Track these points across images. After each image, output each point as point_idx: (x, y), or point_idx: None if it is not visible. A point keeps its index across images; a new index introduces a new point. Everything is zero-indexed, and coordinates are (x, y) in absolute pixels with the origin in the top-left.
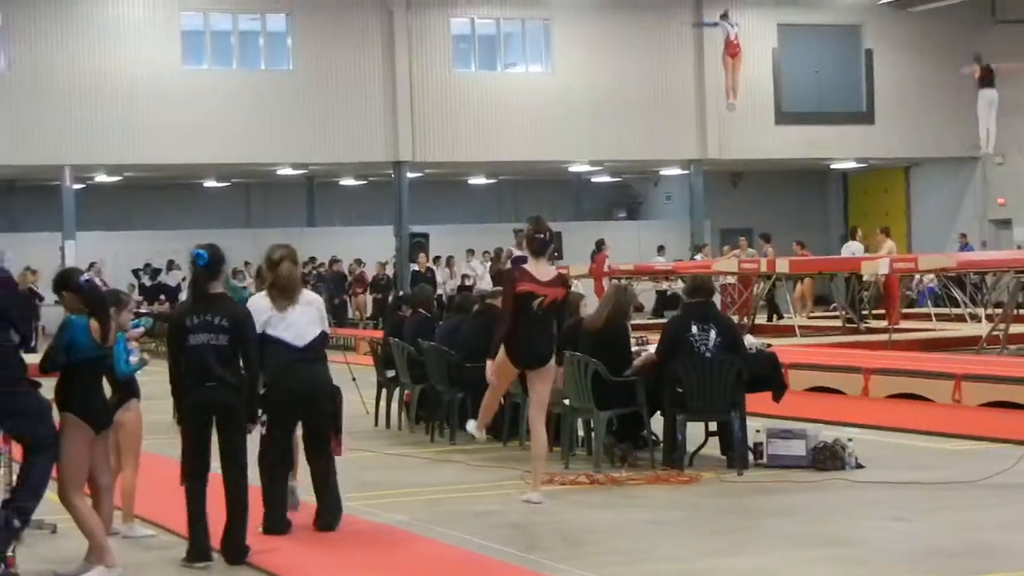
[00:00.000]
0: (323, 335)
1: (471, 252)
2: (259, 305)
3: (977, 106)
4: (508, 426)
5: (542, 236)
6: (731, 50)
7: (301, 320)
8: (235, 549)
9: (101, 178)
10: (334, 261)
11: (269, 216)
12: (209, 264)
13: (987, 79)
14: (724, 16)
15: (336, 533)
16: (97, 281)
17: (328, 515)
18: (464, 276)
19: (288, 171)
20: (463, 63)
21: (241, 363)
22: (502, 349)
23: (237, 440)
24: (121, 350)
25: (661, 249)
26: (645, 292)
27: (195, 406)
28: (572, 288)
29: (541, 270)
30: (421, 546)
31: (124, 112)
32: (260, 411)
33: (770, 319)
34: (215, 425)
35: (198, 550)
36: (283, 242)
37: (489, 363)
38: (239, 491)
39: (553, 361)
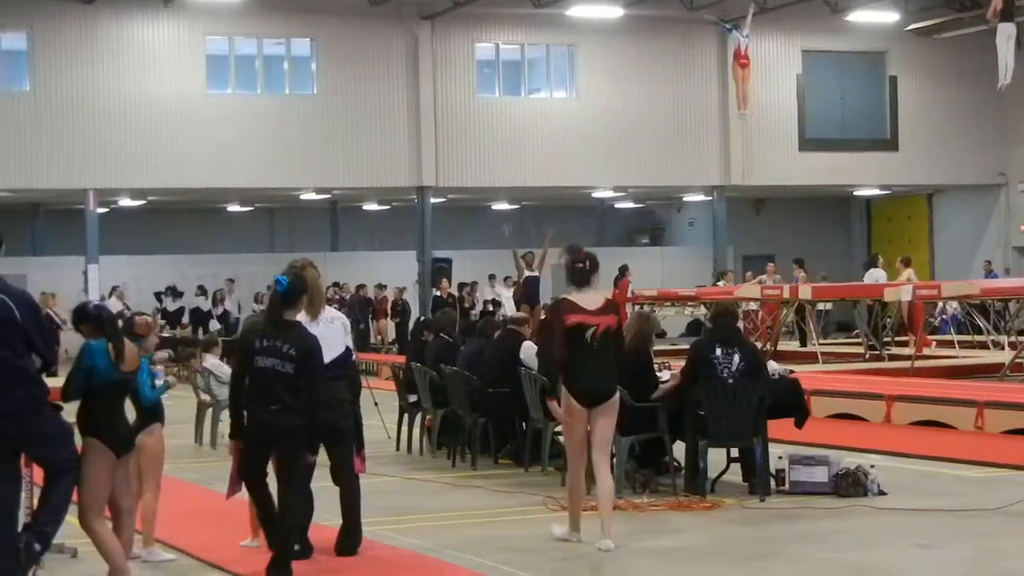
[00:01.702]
0: (348, 352)
1: (493, 277)
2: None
3: (996, 39)
4: (530, 451)
5: (582, 266)
6: (740, 60)
7: (328, 335)
8: (282, 571)
9: (125, 202)
10: (360, 287)
11: (293, 241)
12: (287, 292)
13: (1007, 12)
14: (737, 27)
15: (357, 558)
16: (112, 304)
17: (350, 540)
18: (487, 301)
19: (312, 196)
20: (487, 88)
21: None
22: (566, 394)
23: (295, 465)
24: (145, 375)
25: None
26: (668, 318)
27: (257, 428)
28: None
29: (588, 299)
30: (443, 572)
31: (149, 136)
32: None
33: (802, 344)
34: (274, 449)
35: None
36: None
37: (554, 405)
38: (294, 516)
39: (617, 396)
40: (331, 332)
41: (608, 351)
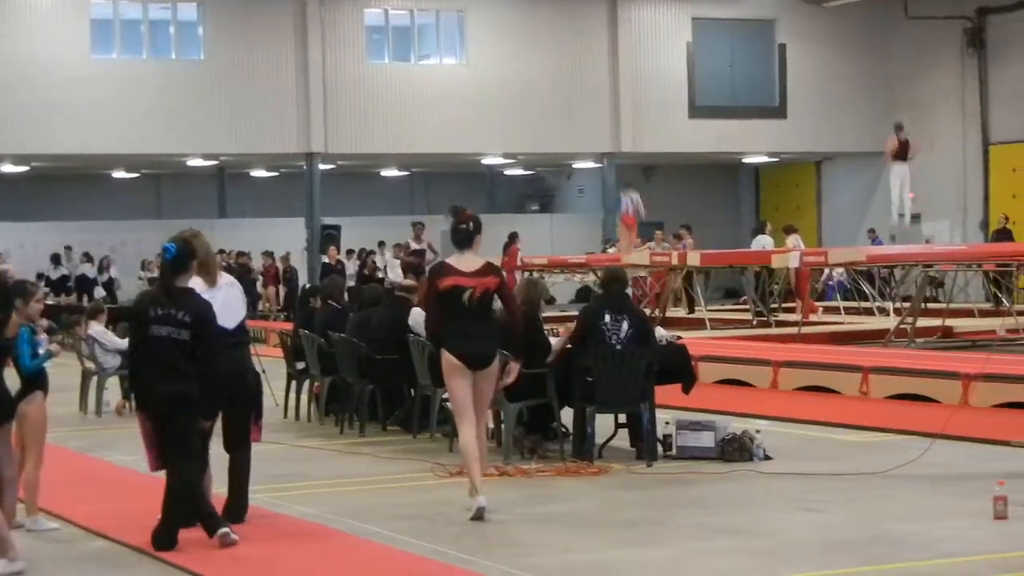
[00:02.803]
0: (246, 318)
1: (382, 244)
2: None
3: (890, 179)
4: (419, 418)
5: (465, 227)
6: (625, 220)
7: (229, 300)
8: (168, 539)
9: (7, 168)
10: (240, 254)
11: (180, 207)
12: (177, 259)
13: (902, 153)
14: (627, 188)
15: (245, 525)
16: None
17: (236, 508)
18: (375, 269)
19: (199, 162)
20: (376, 54)
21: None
22: (447, 355)
23: (189, 432)
24: (26, 344)
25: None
26: (557, 285)
27: (155, 397)
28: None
29: (466, 262)
30: (331, 539)
31: (32, 101)
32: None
33: (690, 310)
34: (169, 416)
35: (213, 523)
36: None
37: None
38: (186, 483)
39: (497, 361)
40: (232, 297)
41: (487, 314)
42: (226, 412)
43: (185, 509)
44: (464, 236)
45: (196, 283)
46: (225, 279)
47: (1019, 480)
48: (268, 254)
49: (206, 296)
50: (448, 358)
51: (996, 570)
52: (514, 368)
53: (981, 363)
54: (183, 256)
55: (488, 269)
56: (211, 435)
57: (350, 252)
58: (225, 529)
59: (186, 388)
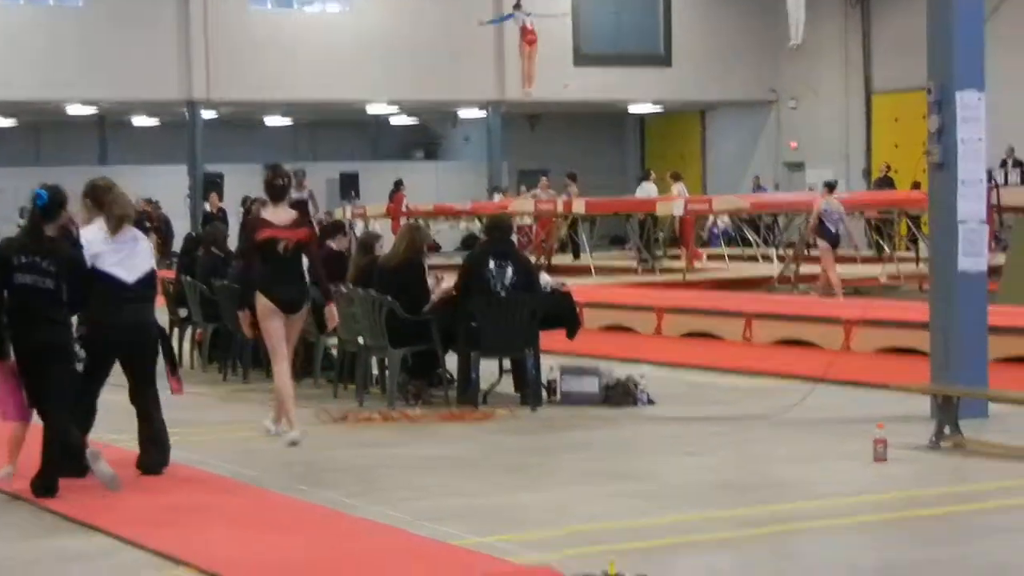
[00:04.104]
0: (153, 272)
1: None
2: (92, 236)
3: (787, 2)
4: (302, 364)
5: (281, 182)
6: (527, 38)
7: (133, 254)
8: (46, 486)
9: None
10: (149, 202)
11: (60, 155)
12: (47, 206)
13: None
14: (517, 6)
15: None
16: None
17: (156, 455)
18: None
19: (79, 109)
20: (259, 0)
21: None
22: (264, 299)
23: (62, 381)
24: None
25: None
26: (443, 232)
27: (23, 346)
28: (371, 230)
29: (280, 215)
30: (213, 484)
31: None
32: (79, 349)
33: (576, 257)
34: (39, 365)
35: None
36: (75, 181)
37: (243, 314)
38: (59, 431)
39: (306, 308)
40: (136, 251)
41: (299, 262)
42: (127, 365)
43: (61, 457)
44: (280, 191)
45: (97, 230)
46: (131, 232)
47: (898, 423)
48: (150, 201)
49: (107, 246)
50: (264, 302)
51: (875, 510)
52: (330, 310)
53: (862, 309)
54: (54, 204)
55: (300, 221)
56: (97, 383)
57: (246, 199)
58: (107, 474)
59: (55, 337)
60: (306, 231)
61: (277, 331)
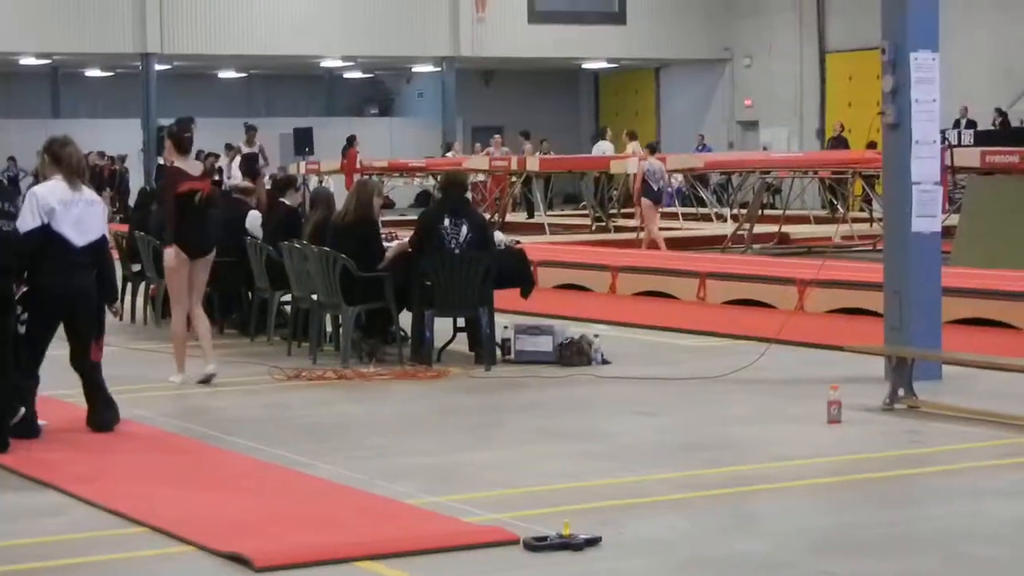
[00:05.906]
0: (104, 239)
1: (229, 147)
2: (49, 193)
3: None
4: (256, 320)
5: (189, 135)
6: None
7: (87, 217)
8: None
9: None
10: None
11: (12, 107)
12: None
13: None
14: None
15: (80, 432)
16: None
17: (106, 414)
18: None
19: (31, 60)
20: None
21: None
22: (175, 247)
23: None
24: None
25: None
26: (397, 189)
27: None
28: (323, 184)
29: (192, 166)
30: (166, 442)
31: None
32: (21, 309)
33: (530, 215)
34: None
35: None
36: (28, 135)
37: (169, 251)
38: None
39: (213, 252)
40: (88, 215)
41: (208, 211)
42: (70, 328)
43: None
44: (190, 143)
45: (60, 187)
46: (87, 194)
47: (852, 384)
48: (102, 155)
49: (62, 207)
50: (177, 249)
51: (828, 472)
52: (166, 253)
53: (816, 269)
54: None
55: (207, 173)
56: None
57: (200, 153)
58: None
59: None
60: (210, 183)
61: (180, 278)
